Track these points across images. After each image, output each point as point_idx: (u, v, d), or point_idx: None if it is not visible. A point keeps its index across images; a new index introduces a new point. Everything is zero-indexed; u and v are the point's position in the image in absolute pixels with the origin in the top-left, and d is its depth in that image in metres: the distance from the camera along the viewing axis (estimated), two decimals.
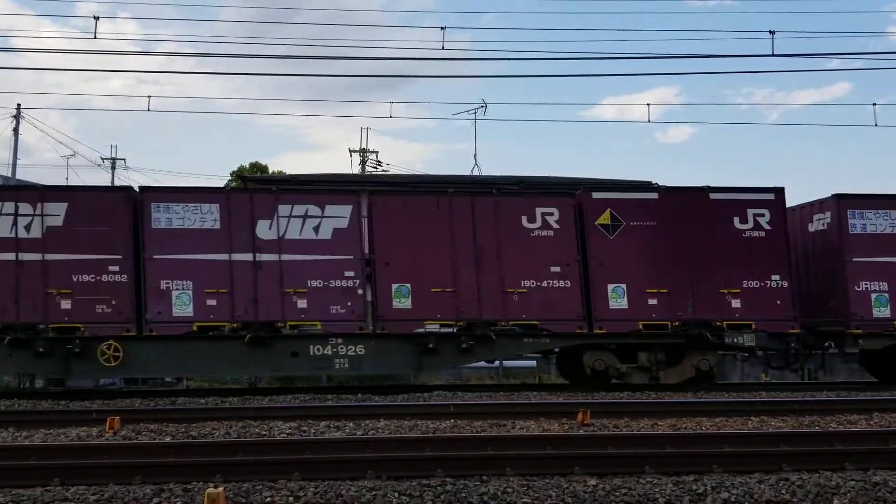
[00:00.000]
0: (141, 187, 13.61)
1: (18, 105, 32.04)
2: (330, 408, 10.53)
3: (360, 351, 13.27)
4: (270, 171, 48.60)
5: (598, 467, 6.68)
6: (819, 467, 6.76)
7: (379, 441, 7.65)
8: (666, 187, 14.48)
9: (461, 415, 9.72)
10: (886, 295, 13.97)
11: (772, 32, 13.59)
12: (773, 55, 13.71)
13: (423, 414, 9.78)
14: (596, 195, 13.93)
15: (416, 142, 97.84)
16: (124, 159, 43.41)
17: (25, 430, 8.86)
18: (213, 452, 7.10)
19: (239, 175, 32.78)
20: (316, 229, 13.31)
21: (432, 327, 13.51)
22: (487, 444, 7.35)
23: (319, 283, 13.16)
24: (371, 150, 35.33)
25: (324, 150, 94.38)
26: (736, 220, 13.87)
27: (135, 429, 8.77)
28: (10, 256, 12.72)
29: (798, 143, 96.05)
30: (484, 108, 29.96)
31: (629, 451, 7.17)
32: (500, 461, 6.72)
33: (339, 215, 13.40)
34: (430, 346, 13.29)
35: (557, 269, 13.52)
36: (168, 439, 8.25)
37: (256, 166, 50.69)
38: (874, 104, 18.27)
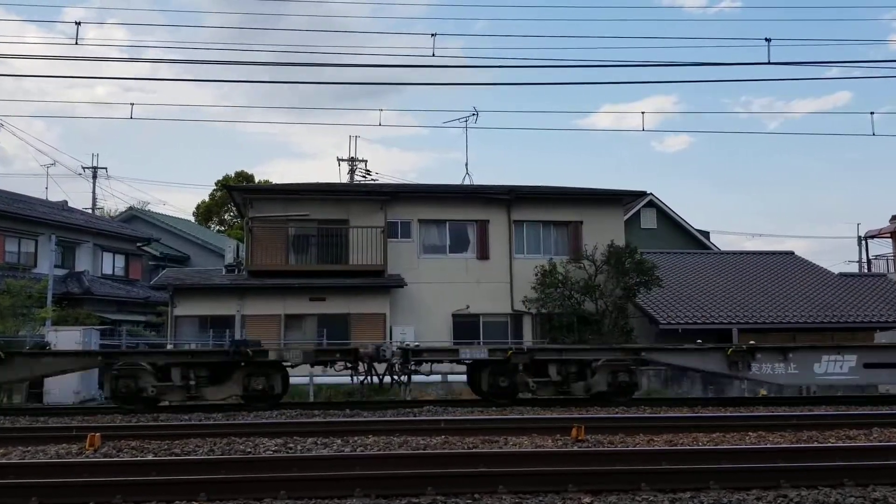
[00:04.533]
0: None
1: None
2: (317, 424, 10.35)
3: None
4: (257, 180, 48.66)
5: (593, 484, 6.52)
6: (818, 483, 6.64)
7: (367, 458, 7.47)
8: None
9: (452, 431, 9.55)
10: None
11: (768, 40, 13.56)
12: (768, 63, 13.67)
13: (412, 430, 9.62)
14: None
15: (408, 150, 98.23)
16: (106, 168, 43.38)
17: (3, 448, 8.61)
18: (196, 470, 6.91)
19: (224, 185, 32.64)
20: None
21: None
22: (479, 461, 7.19)
23: None
24: (360, 158, 35.40)
25: (312, 159, 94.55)
26: None
27: (116, 445, 8.55)
28: None
29: (798, 152, 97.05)
30: (475, 117, 30.18)
31: (624, 467, 7.03)
32: (493, 478, 6.55)
33: None
34: None
35: None
36: (150, 456, 8.04)
37: (242, 175, 50.54)
38: (871, 113, 18.20)
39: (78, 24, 13.77)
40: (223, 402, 13.60)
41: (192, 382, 13.18)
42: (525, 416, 11.30)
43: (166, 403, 13.54)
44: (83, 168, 42.85)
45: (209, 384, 13.38)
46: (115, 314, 28.00)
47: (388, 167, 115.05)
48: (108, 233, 33.16)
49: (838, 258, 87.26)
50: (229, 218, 51.21)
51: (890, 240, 34.23)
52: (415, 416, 11.70)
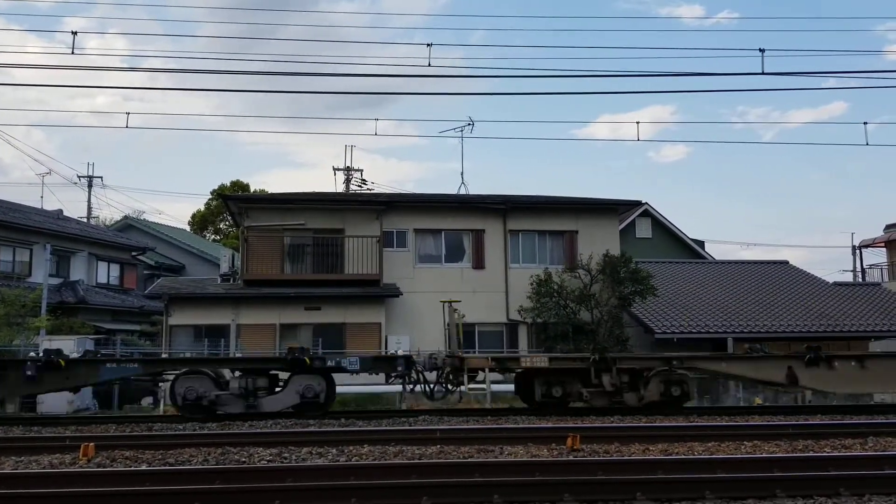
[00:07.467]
0: None
1: None
2: (312, 433, 10.32)
3: None
4: (253, 190, 48.62)
5: (588, 494, 6.51)
6: (813, 493, 6.64)
7: (363, 468, 7.43)
8: None
9: (448, 440, 9.53)
10: None
11: (761, 51, 13.60)
12: (762, 73, 13.72)
13: (408, 439, 9.59)
14: None
15: (406, 160, 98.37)
16: (101, 177, 43.25)
17: None
18: (190, 480, 6.88)
19: (219, 194, 32.64)
20: None
21: None
22: (475, 471, 7.17)
23: None
24: (356, 168, 35.48)
25: (310, 168, 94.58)
26: None
27: (109, 456, 8.51)
28: None
29: (793, 162, 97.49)
30: (471, 127, 30.11)
31: (620, 476, 7.01)
32: (488, 488, 6.54)
33: None
34: None
35: None
36: (144, 467, 7.99)
37: (238, 185, 50.49)
38: (865, 123, 18.21)
39: (74, 33, 13.84)
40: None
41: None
42: (520, 426, 11.28)
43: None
44: (79, 177, 42.70)
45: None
46: (109, 323, 27.93)
47: (387, 177, 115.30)
48: (103, 242, 33.09)
49: (833, 268, 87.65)
50: (225, 227, 51.16)
51: (884, 249, 34.34)
52: (410, 425, 11.66)
